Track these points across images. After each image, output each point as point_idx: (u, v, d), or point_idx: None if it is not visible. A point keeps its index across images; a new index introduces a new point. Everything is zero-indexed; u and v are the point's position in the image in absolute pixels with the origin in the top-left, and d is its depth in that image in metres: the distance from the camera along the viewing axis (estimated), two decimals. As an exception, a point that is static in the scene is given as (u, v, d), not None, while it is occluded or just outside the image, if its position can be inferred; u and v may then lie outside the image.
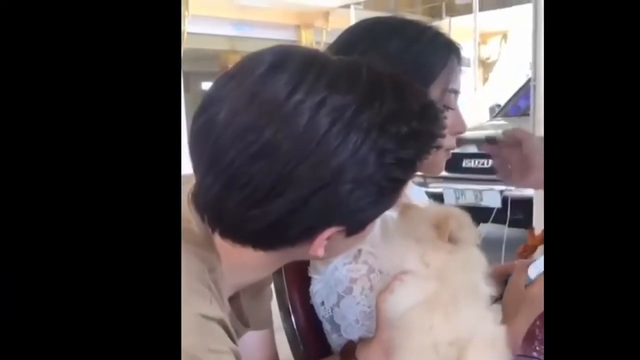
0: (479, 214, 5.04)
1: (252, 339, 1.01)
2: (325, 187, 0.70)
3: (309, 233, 0.75)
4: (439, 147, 0.83)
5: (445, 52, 1.04)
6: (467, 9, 10.49)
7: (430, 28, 1.06)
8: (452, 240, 0.86)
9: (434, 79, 1.02)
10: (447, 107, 1.05)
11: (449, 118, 1.05)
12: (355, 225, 0.78)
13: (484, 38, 12.71)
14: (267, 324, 1.04)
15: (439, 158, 1.09)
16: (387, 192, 0.75)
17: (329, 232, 0.75)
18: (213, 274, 0.79)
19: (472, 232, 0.89)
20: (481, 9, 10.04)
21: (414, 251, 0.86)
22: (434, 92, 1.02)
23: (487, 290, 0.86)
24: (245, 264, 0.83)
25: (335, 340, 1.05)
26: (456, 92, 1.07)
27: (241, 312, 0.90)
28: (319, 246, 0.77)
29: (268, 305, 1.05)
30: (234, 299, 0.89)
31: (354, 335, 1.01)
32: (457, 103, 1.08)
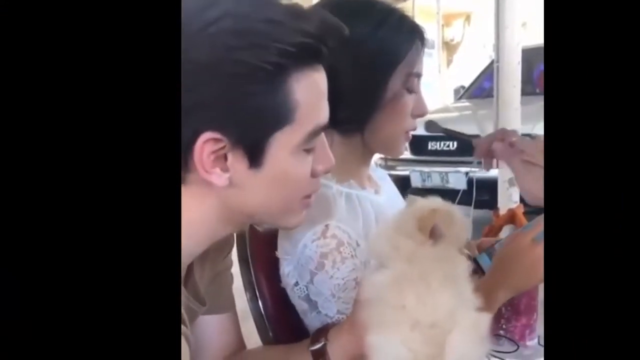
0: (445, 196, 5.07)
1: (213, 321, 1.00)
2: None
3: (186, 145, 0.70)
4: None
5: (410, 35, 1.05)
6: (430, -9, 10.52)
7: (395, 10, 1.06)
8: (434, 236, 0.81)
9: (399, 62, 1.03)
10: (411, 91, 1.06)
11: (411, 101, 1.07)
12: (235, 131, 0.70)
13: (447, 20, 12.76)
14: (229, 307, 1.03)
15: (398, 141, 1.10)
16: (249, 80, 0.69)
17: (205, 138, 0.69)
18: None
19: (457, 232, 0.84)
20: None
21: (386, 236, 0.85)
22: (399, 75, 1.04)
23: (467, 284, 0.81)
24: (183, 223, 0.74)
25: (313, 319, 1.05)
26: (419, 75, 1.08)
27: (196, 291, 0.88)
28: (207, 166, 0.71)
29: (229, 289, 1.04)
30: (188, 277, 0.87)
31: (331, 310, 1.01)
32: (419, 86, 1.09)
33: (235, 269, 1.14)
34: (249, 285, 1.15)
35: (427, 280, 0.79)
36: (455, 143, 4.78)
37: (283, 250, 1.07)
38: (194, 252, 0.82)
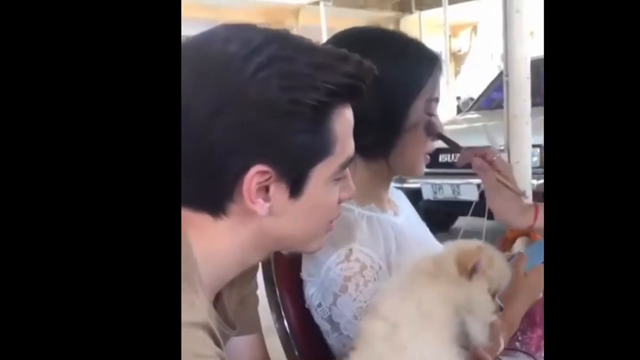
0: (458, 208, 5.09)
1: (240, 343, 1.02)
2: (226, 110, 0.73)
3: (235, 177, 0.75)
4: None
5: (429, 64, 1.11)
6: (436, 2, 10.54)
7: (412, 41, 1.13)
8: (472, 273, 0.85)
9: (420, 90, 1.09)
10: (430, 114, 1.11)
11: (429, 124, 1.12)
12: (283, 164, 0.76)
13: (454, 31, 12.79)
14: (255, 328, 1.05)
15: (419, 162, 1.14)
16: (300, 118, 0.75)
17: (255, 171, 0.74)
18: (196, 276, 0.79)
19: (498, 272, 0.88)
20: (451, 1, 10.10)
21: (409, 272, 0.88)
22: (420, 102, 1.09)
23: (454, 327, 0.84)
24: (217, 252, 0.81)
25: (335, 340, 1.08)
26: (437, 100, 1.13)
27: (226, 315, 0.91)
28: (253, 196, 0.76)
29: (254, 310, 1.06)
30: (217, 302, 0.90)
31: (353, 332, 1.03)
32: (436, 110, 1.14)
33: (261, 289, 1.17)
34: (274, 306, 1.17)
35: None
36: (466, 155, 4.78)
37: (307, 272, 1.10)
38: (226, 279, 0.86)
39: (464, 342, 0.84)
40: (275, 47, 0.76)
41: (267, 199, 0.78)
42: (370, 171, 1.13)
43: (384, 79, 1.04)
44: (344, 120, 0.80)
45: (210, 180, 0.77)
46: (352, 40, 1.13)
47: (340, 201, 0.86)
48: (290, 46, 0.77)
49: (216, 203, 0.79)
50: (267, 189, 0.77)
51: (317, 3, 9.76)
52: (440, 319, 0.82)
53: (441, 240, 1.27)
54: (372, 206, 1.12)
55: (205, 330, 0.74)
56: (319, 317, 1.08)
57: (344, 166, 0.82)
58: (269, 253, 0.92)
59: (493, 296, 0.88)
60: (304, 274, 1.11)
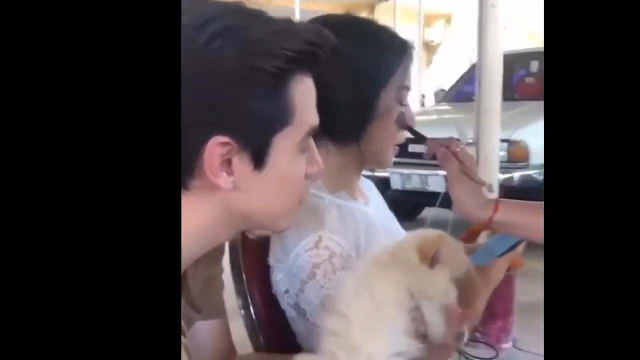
0: (425, 198, 5.14)
1: (204, 328, 1.03)
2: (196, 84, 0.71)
3: (196, 149, 0.73)
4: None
5: (400, 52, 1.12)
6: (412, -9, 10.56)
7: (384, 28, 1.13)
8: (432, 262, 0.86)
9: (391, 76, 1.10)
10: (401, 103, 1.12)
11: (400, 112, 1.13)
12: (243, 133, 0.74)
13: (428, 20, 12.83)
14: (220, 313, 1.05)
15: (389, 151, 1.15)
16: (258, 85, 0.74)
17: (215, 142, 0.73)
18: None
19: (456, 261, 0.89)
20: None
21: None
22: (390, 89, 1.10)
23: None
24: (182, 230, 0.75)
25: (301, 326, 1.08)
26: (408, 88, 1.14)
27: (191, 298, 0.89)
28: (215, 169, 0.74)
29: (220, 294, 1.06)
30: (183, 285, 0.89)
31: (320, 319, 1.04)
32: (407, 99, 1.15)
33: (227, 274, 1.17)
34: (240, 292, 1.17)
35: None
36: (435, 146, 4.81)
37: (275, 258, 1.10)
38: (191, 259, 0.83)
39: (421, 329, 0.85)
40: (231, 17, 0.74)
41: (230, 172, 0.75)
42: (342, 158, 1.13)
43: (356, 64, 1.06)
44: (304, 88, 0.79)
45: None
46: (324, 25, 1.12)
47: (307, 176, 0.83)
48: (247, 16, 0.76)
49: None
50: (229, 162, 0.75)
51: (292, -15, 9.69)
52: (393, 307, 0.82)
53: (407, 229, 1.28)
54: (342, 194, 1.13)
55: None
56: (285, 304, 1.08)
57: (307, 136, 0.80)
58: (237, 232, 0.89)
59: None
60: (271, 260, 1.11)
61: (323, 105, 1.07)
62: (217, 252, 1.03)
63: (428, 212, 5.18)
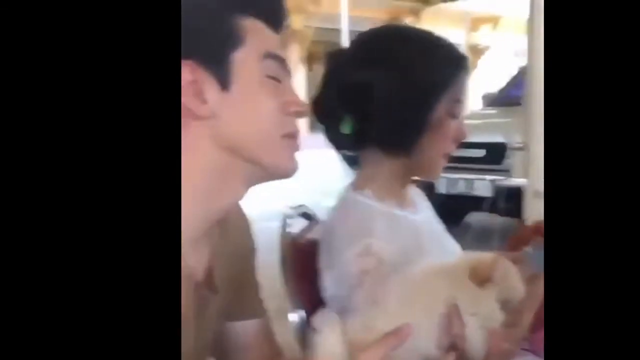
0: (471, 203, 5.11)
1: (243, 328, 1.05)
2: None
3: None
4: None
5: (456, 65, 1.13)
6: (458, -5, 10.50)
7: (442, 40, 1.14)
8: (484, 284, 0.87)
9: (446, 89, 1.10)
10: (454, 116, 1.13)
11: (452, 126, 1.13)
12: (200, 53, 0.82)
13: (475, 24, 12.73)
14: (258, 313, 1.08)
15: (438, 164, 1.16)
16: (207, 11, 0.84)
17: (182, 65, 0.80)
18: None
19: (510, 286, 0.88)
20: (473, -5, 10.04)
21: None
22: (444, 102, 1.11)
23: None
24: (187, 182, 0.81)
25: None
26: (462, 101, 1.15)
27: (211, 276, 0.93)
28: (188, 94, 0.81)
29: (256, 294, 1.08)
30: (201, 259, 0.92)
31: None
32: (460, 111, 1.15)
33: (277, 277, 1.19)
34: (290, 294, 1.19)
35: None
36: (481, 151, 4.78)
37: (324, 263, 1.12)
38: (206, 214, 0.87)
39: (459, 344, 0.84)
40: None
41: (204, 101, 0.83)
42: (392, 167, 1.15)
43: (411, 76, 1.07)
44: (255, 25, 0.87)
45: None
46: (382, 36, 1.16)
47: (286, 111, 0.88)
48: None
49: None
50: (201, 92, 0.82)
51: (338, -9, 9.72)
52: (436, 317, 0.84)
53: (452, 234, 1.29)
54: (391, 202, 1.14)
55: None
56: (333, 309, 1.10)
57: (265, 58, 0.86)
58: (240, 182, 0.90)
59: (501, 309, 0.88)
60: (321, 265, 1.13)
61: (375, 115, 1.09)
62: (247, 251, 1.06)
63: (473, 218, 5.15)
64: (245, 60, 0.85)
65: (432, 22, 11.29)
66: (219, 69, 0.83)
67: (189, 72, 0.81)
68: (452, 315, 0.83)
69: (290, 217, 1.29)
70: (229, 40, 0.84)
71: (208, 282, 0.92)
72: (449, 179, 4.95)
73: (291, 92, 0.90)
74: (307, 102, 0.91)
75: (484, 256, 0.91)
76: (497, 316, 0.87)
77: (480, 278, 0.85)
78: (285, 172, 0.89)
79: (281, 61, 0.89)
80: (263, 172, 0.88)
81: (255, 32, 0.87)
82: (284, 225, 1.26)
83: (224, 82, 0.83)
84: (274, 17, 0.91)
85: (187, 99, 0.81)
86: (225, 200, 0.89)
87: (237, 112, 0.84)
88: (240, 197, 0.91)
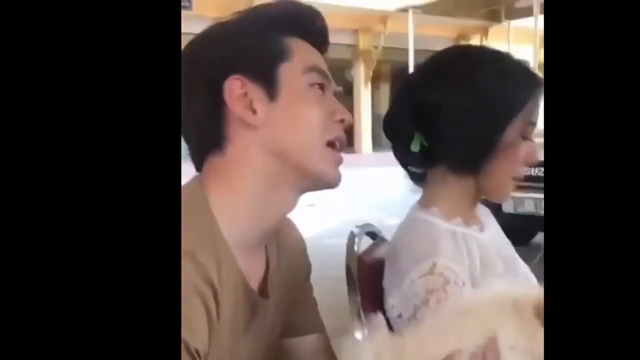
0: (539, 223, 4.99)
1: (303, 344, 1.07)
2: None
3: (218, 91, 0.88)
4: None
5: (531, 86, 1.11)
6: (527, 12, 10.32)
7: (517, 61, 1.13)
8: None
9: (519, 112, 1.09)
10: (526, 138, 1.12)
11: (524, 148, 1.12)
12: (249, 68, 0.89)
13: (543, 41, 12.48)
14: (318, 329, 1.09)
15: (507, 186, 1.15)
16: (257, 31, 0.92)
17: (231, 79, 0.88)
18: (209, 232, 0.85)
19: None
20: (542, 11, 9.86)
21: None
22: (517, 124, 1.10)
23: None
24: (237, 194, 0.89)
25: None
26: (535, 124, 1.13)
27: (265, 284, 0.95)
28: (239, 108, 0.88)
29: (314, 310, 1.10)
30: (265, 270, 0.95)
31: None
32: (532, 134, 1.14)
33: (344, 295, 1.20)
34: (356, 313, 1.20)
35: None
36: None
37: (389, 282, 1.12)
38: (257, 227, 0.91)
39: None
40: None
41: (253, 111, 0.89)
42: (459, 187, 1.14)
43: (485, 98, 1.07)
44: (299, 43, 0.94)
45: (198, 109, 0.89)
46: (457, 57, 1.17)
47: (334, 119, 0.92)
48: None
49: (215, 133, 0.90)
50: (250, 103, 0.88)
51: (405, 10, 9.73)
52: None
53: (520, 255, 1.27)
54: (458, 221, 1.14)
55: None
56: (398, 328, 1.10)
57: (309, 69, 0.92)
58: (290, 191, 0.92)
59: None
60: (385, 284, 1.13)
61: (445, 134, 1.10)
62: (303, 265, 1.08)
63: (541, 237, 5.02)
64: (290, 73, 0.90)
65: (500, 39, 11.16)
66: (267, 81, 0.90)
67: (239, 86, 0.88)
68: (489, 350, 0.77)
69: (356, 235, 1.30)
70: (276, 56, 0.91)
71: (262, 291, 0.94)
72: (515, 198, 4.86)
73: (334, 102, 0.94)
74: (353, 115, 0.95)
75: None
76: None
77: (542, 315, 0.78)
78: (329, 180, 0.93)
79: (324, 74, 0.93)
80: (308, 180, 0.92)
81: (299, 50, 0.93)
82: (351, 244, 1.27)
83: (271, 94, 0.89)
84: (318, 39, 0.96)
85: (239, 111, 0.88)
86: (278, 209, 0.92)
87: (284, 120, 0.90)
88: (292, 206, 0.94)
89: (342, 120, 0.93)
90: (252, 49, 0.91)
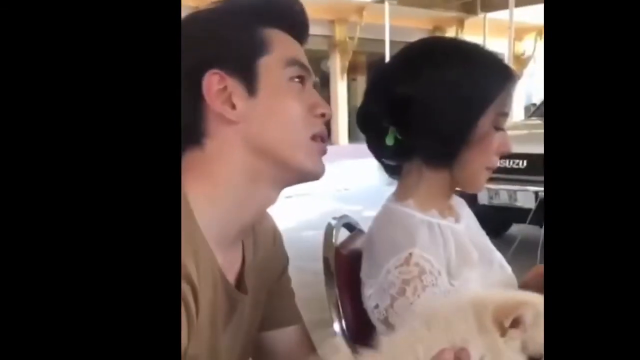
0: (514, 215, 5.04)
1: (282, 335, 1.08)
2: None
3: (196, 85, 0.86)
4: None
5: (503, 77, 1.12)
6: (502, 4, 10.39)
7: (489, 53, 1.14)
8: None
9: (491, 103, 1.10)
10: (498, 128, 1.13)
11: (497, 139, 1.13)
12: (228, 62, 0.87)
13: (519, 34, 12.59)
14: (296, 320, 1.10)
15: (481, 176, 1.16)
16: (235, 21, 0.89)
17: (209, 75, 0.86)
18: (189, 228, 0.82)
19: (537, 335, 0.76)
20: (517, 4, 9.92)
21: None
22: (489, 115, 1.11)
23: None
24: (217, 187, 0.87)
25: None
26: (507, 114, 1.14)
27: (241, 279, 0.95)
28: (217, 102, 0.86)
29: (291, 301, 1.11)
30: (242, 265, 0.95)
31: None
32: (505, 124, 1.15)
33: (321, 287, 1.21)
34: (334, 304, 1.20)
35: None
36: (524, 161, 4.73)
37: (366, 273, 1.13)
38: (235, 222, 0.90)
39: None
40: None
41: (232, 106, 0.87)
42: (434, 179, 1.15)
43: (456, 91, 1.08)
44: (279, 35, 0.92)
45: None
46: (426, 49, 1.17)
47: (315, 113, 0.91)
48: None
49: (194, 128, 0.87)
50: (230, 97, 0.87)
51: (381, 1, 9.72)
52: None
53: (495, 246, 1.28)
54: (433, 212, 1.15)
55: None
56: (375, 319, 1.11)
57: (289, 63, 0.90)
58: (270, 186, 0.91)
59: (533, 359, 0.77)
60: (362, 275, 1.14)
61: (419, 127, 1.10)
62: (277, 258, 1.08)
63: (517, 230, 5.08)
64: (270, 67, 0.89)
65: (476, 32, 11.21)
66: (246, 76, 0.88)
67: (217, 81, 0.86)
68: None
69: (334, 227, 1.30)
70: (255, 49, 0.89)
71: (239, 285, 0.94)
72: (490, 190, 4.90)
73: (315, 96, 0.93)
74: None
75: (513, 297, 0.83)
76: None
77: (502, 322, 0.76)
78: (313, 173, 0.92)
79: (304, 67, 0.92)
80: (291, 174, 0.91)
81: (279, 42, 0.91)
82: (329, 236, 1.28)
83: (251, 88, 0.88)
84: (298, 29, 0.95)
85: (217, 106, 0.86)
86: (257, 204, 0.92)
87: (264, 115, 0.88)
88: (272, 202, 0.93)
89: (322, 115, 0.92)
90: (231, 42, 0.89)
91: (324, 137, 0.93)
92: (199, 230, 0.84)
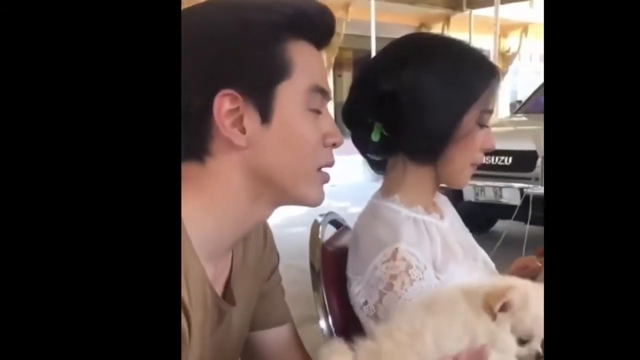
0: (499, 211, 5.07)
1: (273, 335, 1.07)
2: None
3: (205, 106, 0.80)
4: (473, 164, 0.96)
5: (488, 75, 1.13)
6: (488, 1, 10.42)
7: (474, 50, 1.15)
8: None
9: (475, 100, 1.11)
10: (483, 125, 1.14)
11: (481, 136, 1.14)
12: (244, 83, 0.80)
13: (504, 31, 12.64)
14: (285, 319, 1.09)
15: (465, 172, 1.16)
16: (252, 37, 0.81)
17: (221, 95, 0.79)
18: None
19: (532, 316, 0.79)
20: (502, 1, 9.96)
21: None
22: (474, 112, 1.12)
23: None
24: (212, 202, 0.84)
25: None
26: (491, 112, 1.15)
27: (230, 290, 0.94)
28: (227, 125, 0.80)
29: (281, 300, 1.10)
30: (228, 274, 0.94)
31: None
32: (489, 121, 1.16)
33: (308, 285, 1.21)
34: (320, 303, 1.20)
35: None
36: (510, 158, 4.75)
37: (353, 271, 1.13)
38: (228, 238, 0.88)
39: None
40: None
41: (242, 130, 0.82)
42: (419, 175, 1.16)
43: (441, 85, 1.08)
44: (305, 51, 0.85)
45: (185, 119, 0.79)
46: (411, 45, 1.17)
47: (326, 143, 0.88)
48: None
49: (198, 144, 0.83)
50: (241, 120, 0.81)
51: (367, -3, 9.74)
52: (449, 342, 0.79)
53: (480, 242, 1.29)
54: (418, 208, 1.15)
55: None
56: (363, 315, 1.11)
57: (310, 92, 0.85)
58: (268, 205, 0.89)
59: (523, 341, 0.80)
60: (349, 272, 1.14)
61: (404, 123, 1.10)
62: (270, 257, 1.08)
63: (503, 226, 5.11)
64: (289, 94, 0.83)
65: (462, 28, 11.25)
66: (262, 101, 0.82)
67: (229, 102, 0.80)
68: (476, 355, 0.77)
69: (320, 224, 1.30)
70: (276, 73, 0.82)
71: (226, 293, 0.93)
72: (476, 186, 4.93)
73: (329, 123, 0.88)
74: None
75: (502, 282, 0.85)
76: (513, 349, 0.80)
77: (492, 306, 0.79)
78: (312, 203, 0.90)
79: (324, 93, 0.87)
80: (290, 200, 0.88)
81: (303, 63, 0.84)
82: (315, 232, 1.28)
83: (265, 115, 0.82)
84: (325, 40, 0.89)
85: (226, 129, 0.81)
86: (252, 220, 0.89)
87: (275, 145, 0.83)
88: (267, 217, 0.91)
89: (334, 144, 0.89)
90: (250, 61, 0.81)
91: (332, 165, 0.90)
92: (190, 246, 0.81)
